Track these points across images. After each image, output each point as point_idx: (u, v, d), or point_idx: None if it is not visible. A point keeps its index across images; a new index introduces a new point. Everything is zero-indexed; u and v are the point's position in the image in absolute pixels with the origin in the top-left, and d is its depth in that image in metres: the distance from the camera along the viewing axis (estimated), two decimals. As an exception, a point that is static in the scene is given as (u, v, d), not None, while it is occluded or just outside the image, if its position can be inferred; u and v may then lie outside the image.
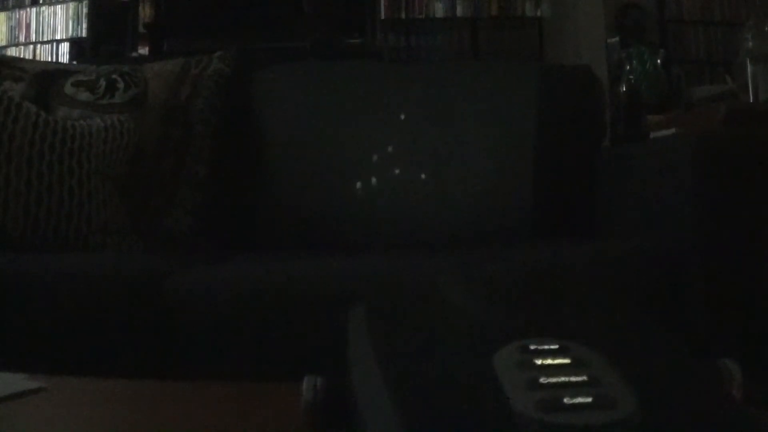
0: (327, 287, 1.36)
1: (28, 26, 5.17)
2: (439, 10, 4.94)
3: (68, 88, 2.04)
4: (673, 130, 1.98)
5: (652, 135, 2.08)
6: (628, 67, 2.51)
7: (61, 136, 1.79)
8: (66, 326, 1.38)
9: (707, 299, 1.49)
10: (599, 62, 3.71)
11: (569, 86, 2.12)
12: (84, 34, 5.00)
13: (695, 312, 1.47)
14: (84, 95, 2.02)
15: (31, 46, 5.14)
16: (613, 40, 4.12)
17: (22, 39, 5.16)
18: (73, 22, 5.01)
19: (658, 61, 2.51)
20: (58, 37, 5.06)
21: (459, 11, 4.94)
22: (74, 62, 4.67)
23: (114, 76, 2.04)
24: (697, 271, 1.50)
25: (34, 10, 5.16)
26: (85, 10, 4.97)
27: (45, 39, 5.10)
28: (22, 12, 5.17)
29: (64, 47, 5.03)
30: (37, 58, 4.98)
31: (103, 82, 2.03)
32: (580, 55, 4.45)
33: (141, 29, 4.14)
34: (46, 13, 5.11)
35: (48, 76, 2.11)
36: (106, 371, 1.29)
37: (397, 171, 1.95)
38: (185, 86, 2.07)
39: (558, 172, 2.02)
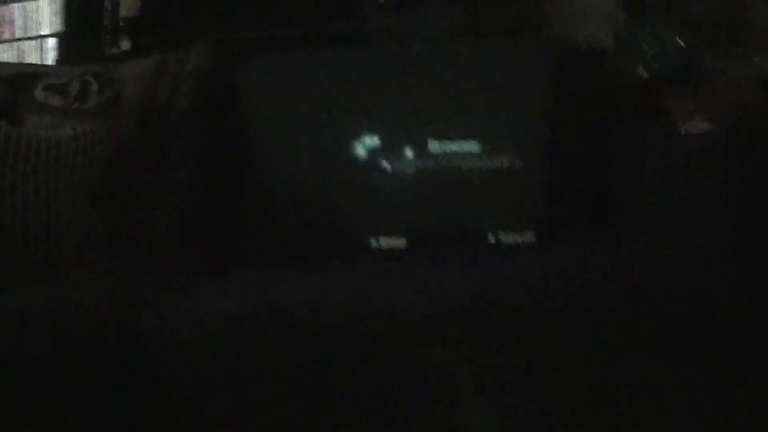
0: (316, 321, 1.23)
1: (12, 22, 5.02)
2: (433, -16, 4.77)
3: (38, 93, 1.94)
4: (701, 112, 1.82)
5: (675, 118, 1.91)
6: (642, 42, 2.33)
7: (24, 152, 1.66)
8: (30, 371, 1.24)
9: (745, 303, 1.32)
10: (605, 36, 3.56)
11: (584, 66, 1.98)
12: (74, 34, 4.83)
13: (730, 317, 1.30)
14: (55, 100, 1.92)
15: (16, 43, 4.98)
16: (619, 12, 3.96)
17: (6, 35, 5.01)
18: (60, 17, 4.86)
19: (678, 39, 2.33)
20: (43, 32, 4.91)
21: (454, -18, 4.77)
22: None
23: (87, 78, 1.95)
24: (732, 271, 1.34)
25: (17, 5, 4.99)
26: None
27: (31, 35, 4.94)
28: (5, 8, 5.02)
29: (50, 43, 4.88)
30: (23, 55, 4.83)
31: (75, 85, 1.93)
32: (584, 28, 4.28)
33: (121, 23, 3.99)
34: (31, 8, 4.96)
35: (17, 80, 2.00)
36: (78, 420, 1.17)
37: (397, 168, 1.82)
38: (163, 85, 1.95)
39: (574, 160, 1.86)
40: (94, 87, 1.91)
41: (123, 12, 3.57)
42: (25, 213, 1.60)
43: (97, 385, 1.24)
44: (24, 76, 2.05)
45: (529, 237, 1.74)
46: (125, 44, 3.34)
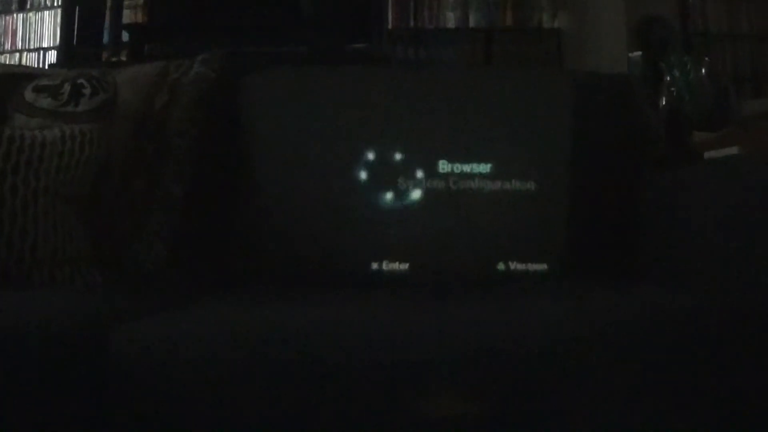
0: (307, 348, 1.09)
1: (14, 33, 4.95)
2: (450, 20, 4.71)
3: (28, 94, 1.80)
4: (734, 150, 1.70)
5: (706, 155, 1.80)
6: (668, 78, 2.22)
7: (6, 148, 1.53)
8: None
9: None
10: (626, 68, 3.52)
11: (609, 98, 1.87)
12: (75, 42, 4.76)
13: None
14: (45, 101, 1.77)
15: (17, 54, 4.92)
16: (635, 54, 3.90)
17: (7, 46, 4.95)
18: (61, 29, 4.79)
19: (703, 71, 2.23)
20: (45, 44, 4.84)
21: (472, 21, 4.71)
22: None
23: (80, 81, 1.80)
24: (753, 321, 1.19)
25: (21, 15, 4.93)
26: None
27: (32, 47, 4.88)
28: (8, 18, 4.96)
29: (52, 55, 4.81)
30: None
31: (67, 87, 1.78)
32: (600, 69, 4.22)
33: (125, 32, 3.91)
34: (34, 20, 4.89)
35: (8, 79, 1.87)
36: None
37: (407, 196, 1.70)
38: (162, 93, 1.83)
39: (596, 199, 1.77)
40: (87, 89, 1.77)
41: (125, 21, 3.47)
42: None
43: (52, 402, 1.09)
44: (14, 75, 1.92)
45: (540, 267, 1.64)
46: (126, 54, 3.25)
